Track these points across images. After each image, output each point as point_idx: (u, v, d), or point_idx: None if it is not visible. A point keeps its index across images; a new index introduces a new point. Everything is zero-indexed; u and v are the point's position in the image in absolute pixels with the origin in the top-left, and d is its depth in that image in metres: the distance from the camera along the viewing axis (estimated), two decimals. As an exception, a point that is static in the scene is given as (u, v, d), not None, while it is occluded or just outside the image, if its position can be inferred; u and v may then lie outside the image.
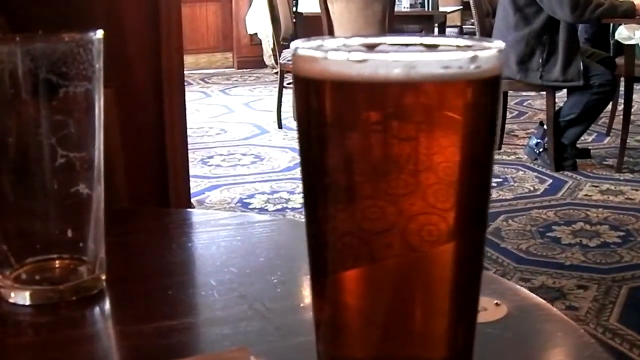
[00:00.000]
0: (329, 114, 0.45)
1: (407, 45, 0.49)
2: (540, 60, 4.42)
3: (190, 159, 2.87)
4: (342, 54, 0.44)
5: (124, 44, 2.02)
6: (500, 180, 4.36)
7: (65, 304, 0.70)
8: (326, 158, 0.46)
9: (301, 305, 0.69)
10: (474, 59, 0.44)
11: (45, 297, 0.70)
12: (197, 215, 1.19)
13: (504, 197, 4.05)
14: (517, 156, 4.89)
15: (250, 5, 8.91)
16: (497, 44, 0.46)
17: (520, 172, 4.53)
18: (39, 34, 0.68)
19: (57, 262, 0.72)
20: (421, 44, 0.49)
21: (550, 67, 4.41)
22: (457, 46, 0.48)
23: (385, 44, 0.49)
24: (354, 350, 0.48)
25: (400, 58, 0.43)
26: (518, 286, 0.72)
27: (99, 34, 0.70)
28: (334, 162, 0.45)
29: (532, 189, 4.22)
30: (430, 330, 0.47)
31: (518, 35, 4.44)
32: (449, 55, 0.44)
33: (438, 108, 0.44)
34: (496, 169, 4.56)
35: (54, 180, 0.69)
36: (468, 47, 0.47)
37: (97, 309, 0.72)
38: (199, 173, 4.57)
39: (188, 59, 7.96)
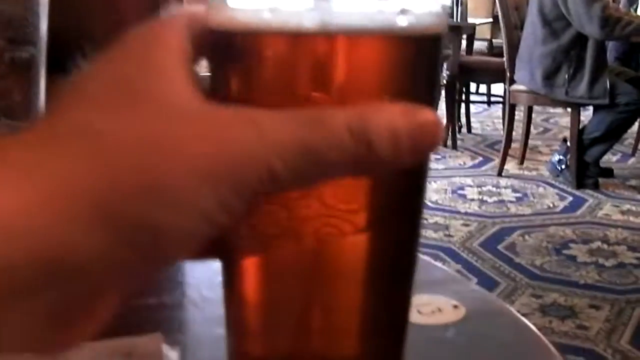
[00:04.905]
0: (234, 70, 0.39)
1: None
2: (567, 76, 4.35)
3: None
4: (251, 2, 0.38)
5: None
6: (520, 195, 4.29)
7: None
8: None
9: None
10: (404, 12, 0.38)
11: None
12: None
13: (522, 213, 3.97)
14: (539, 172, 4.81)
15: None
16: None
17: (541, 189, 4.45)
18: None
19: None
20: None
21: (577, 83, 4.33)
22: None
23: None
24: (258, 348, 0.43)
25: (317, 7, 0.37)
26: (483, 289, 0.66)
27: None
28: None
29: (551, 205, 4.14)
30: (336, 328, 0.41)
31: (545, 49, 4.37)
32: (375, 6, 0.38)
33: (354, 66, 0.37)
34: (516, 184, 4.49)
35: None
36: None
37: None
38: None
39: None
